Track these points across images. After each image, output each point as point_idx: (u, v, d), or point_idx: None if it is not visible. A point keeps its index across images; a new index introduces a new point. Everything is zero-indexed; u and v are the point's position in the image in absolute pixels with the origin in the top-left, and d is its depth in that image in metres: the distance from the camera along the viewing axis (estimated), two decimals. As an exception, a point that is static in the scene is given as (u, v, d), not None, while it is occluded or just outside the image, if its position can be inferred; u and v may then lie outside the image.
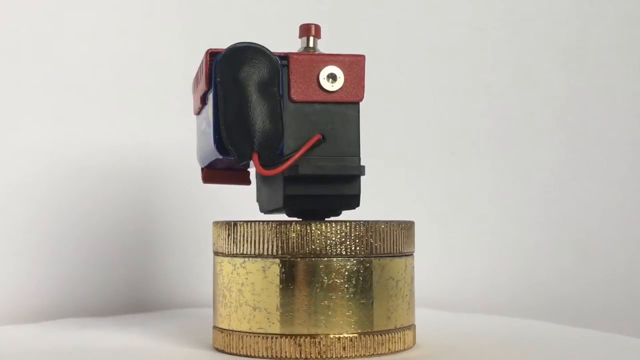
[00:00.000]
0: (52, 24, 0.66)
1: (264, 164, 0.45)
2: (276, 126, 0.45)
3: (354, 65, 0.47)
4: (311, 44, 0.49)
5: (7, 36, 0.65)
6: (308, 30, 0.49)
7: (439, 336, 0.53)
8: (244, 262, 0.46)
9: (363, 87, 0.48)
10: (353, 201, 0.48)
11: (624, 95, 0.83)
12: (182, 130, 0.65)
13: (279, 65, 0.46)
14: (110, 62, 0.68)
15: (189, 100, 0.58)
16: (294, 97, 0.47)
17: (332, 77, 0.47)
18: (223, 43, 0.70)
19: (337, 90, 0.47)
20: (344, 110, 0.47)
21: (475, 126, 0.79)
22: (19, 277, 0.64)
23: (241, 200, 0.61)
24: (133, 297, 0.67)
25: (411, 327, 0.48)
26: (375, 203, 0.59)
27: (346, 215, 0.50)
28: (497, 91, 0.80)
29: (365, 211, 0.51)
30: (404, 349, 0.47)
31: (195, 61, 0.58)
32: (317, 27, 0.49)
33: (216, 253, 0.48)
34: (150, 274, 0.68)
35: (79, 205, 0.66)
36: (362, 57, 0.48)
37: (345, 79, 0.47)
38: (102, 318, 0.62)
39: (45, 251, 0.65)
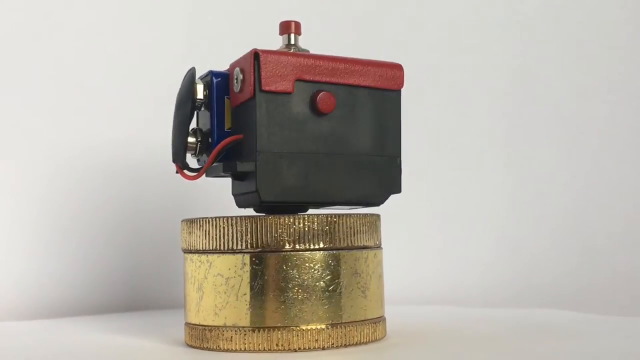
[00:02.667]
0: (54, 22, 0.68)
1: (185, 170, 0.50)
2: (180, 139, 0.49)
3: (247, 63, 0.48)
4: (292, 41, 0.50)
5: (12, 36, 0.66)
6: (288, 28, 0.50)
7: (417, 328, 0.54)
8: (214, 258, 0.47)
9: (251, 83, 0.47)
10: (256, 197, 0.48)
11: (626, 94, 0.83)
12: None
13: (194, 84, 0.50)
14: (104, 62, 0.69)
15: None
16: (231, 104, 0.50)
17: (236, 78, 0.49)
18: (223, 40, 0.71)
19: (240, 91, 0.48)
20: (245, 109, 0.48)
21: (476, 121, 0.79)
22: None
23: (222, 198, 0.61)
24: (117, 297, 0.68)
25: (380, 318, 0.49)
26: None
27: (314, 210, 0.50)
28: (499, 87, 0.80)
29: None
30: (373, 340, 0.48)
31: (194, 59, 0.60)
32: (297, 24, 0.50)
33: (185, 250, 0.49)
34: (138, 274, 0.69)
35: (67, 204, 0.67)
36: (251, 52, 0.48)
37: (244, 78, 0.48)
38: (76, 317, 0.63)
39: (35, 249, 0.66)
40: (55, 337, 0.54)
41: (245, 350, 0.46)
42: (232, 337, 0.46)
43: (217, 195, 0.64)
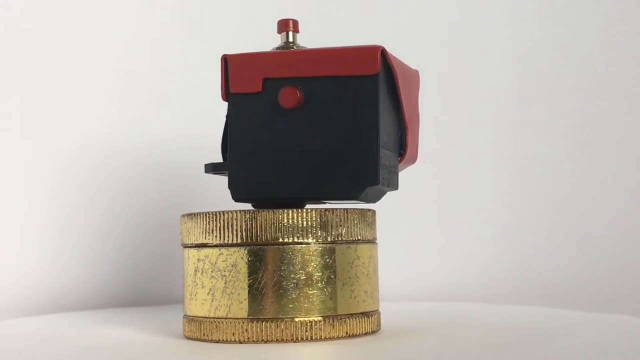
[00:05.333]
0: (75, 22, 0.69)
1: None
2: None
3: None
4: (290, 39, 0.51)
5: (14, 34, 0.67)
6: (286, 26, 0.51)
7: (412, 323, 0.54)
8: (211, 251, 0.48)
9: (221, 87, 0.50)
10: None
11: (626, 90, 0.83)
12: (184, 123, 0.67)
13: None
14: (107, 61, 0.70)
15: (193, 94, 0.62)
16: None
17: None
18: (224, 36, 0.71)
19: None
20: None
21: (475, 117, 0.79)
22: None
23: (222, 193, 0.62)
24: (118, 292, 0.69)
25: (375, 312, 0.50)
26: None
27: (311, 203, 0.51)
28: (498, 85, 0.80)
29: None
30: (367, 333, 0.49)
31: (194, 58, 0.63)
32: (295, 22, 0.51)
33: (184, 245, 0.50)
34: (140, 269, 0.70)
35: (68, 201, 0.68)
36: (222, 57, 0.50)
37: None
38: (77, 313, 0.64)
39: (36, 247, 0.67)
40: (56, 332, 0.55)
41: (241, 341, 0.46)
42: (228, 328, 0.47)
43: (217, 190, 0.64)
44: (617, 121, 0.83)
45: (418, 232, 0.77)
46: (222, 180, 0.57)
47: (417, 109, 0.53)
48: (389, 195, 0.53)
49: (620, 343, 0.47)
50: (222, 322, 0.47)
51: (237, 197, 0.50)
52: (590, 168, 0.82)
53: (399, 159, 0.52)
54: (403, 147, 0.52)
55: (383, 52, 0.48)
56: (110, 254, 0.69)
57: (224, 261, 0.47)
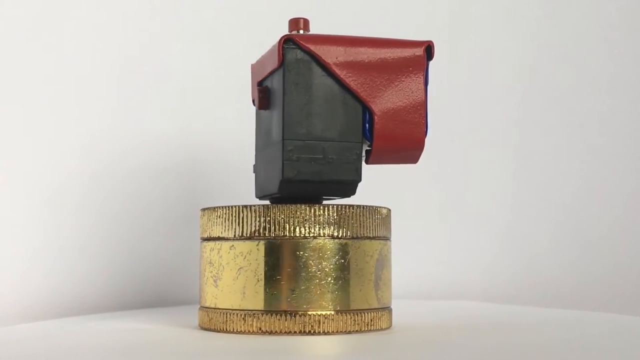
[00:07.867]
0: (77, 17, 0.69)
1: None
2: None
3: None
4: None
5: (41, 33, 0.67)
6: (297, 25, 0.51)
7: (421, 321, 0.55)
8: (229, 244, 0.49)
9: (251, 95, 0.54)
10: None
11: (627, 90, 0.83)
12: (186, 122, 0.68)
13: None
14: (107, 58, 0.70)
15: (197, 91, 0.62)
16: None
17: None
18: (224, 34, 0.72)
19: None
20: None
21: (477, 118, 0.80)
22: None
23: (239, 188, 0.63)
24: (131, 294, 0.68)
25: (387, 309, 0.51)
26: (374, 192, 0.60)
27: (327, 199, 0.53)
28: (500, 84, 0.80)
29: (365, 199, 0.53)
30: (379, 329, 0.50)
31: (193, 56, 0.62)
32: (306, 21, 0.51)
33: (202, 238, 0.51)
34: (158, 270, 0.70)
35: (88, 203, 0.67)
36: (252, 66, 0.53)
37: None
38: (94, 315, 0.63)
39: (51, 248, 0.66)
40: (70, 336, 0.53)
41: (253, 333, 0.48)
42: (243, 320, 0.48)
43: (236, 185, 0.65)
44: (619, 121, 0.83)
45: (419, 231, 0.77)
46: (238, 176, 0.59)
47: (415, 92, 0.51)
48: (389, 195, 0.53)
49: (620, 343, 0.48)
50: (236, 314, 0.48)
51: (256, 195, 0.54)
52: (593, 167, 0.82)
53: (369, 148, 0.50)
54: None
55: (294, 40, 0.48)
56: (118, 254, 0.68)
57: (240, 254, 0.48)
